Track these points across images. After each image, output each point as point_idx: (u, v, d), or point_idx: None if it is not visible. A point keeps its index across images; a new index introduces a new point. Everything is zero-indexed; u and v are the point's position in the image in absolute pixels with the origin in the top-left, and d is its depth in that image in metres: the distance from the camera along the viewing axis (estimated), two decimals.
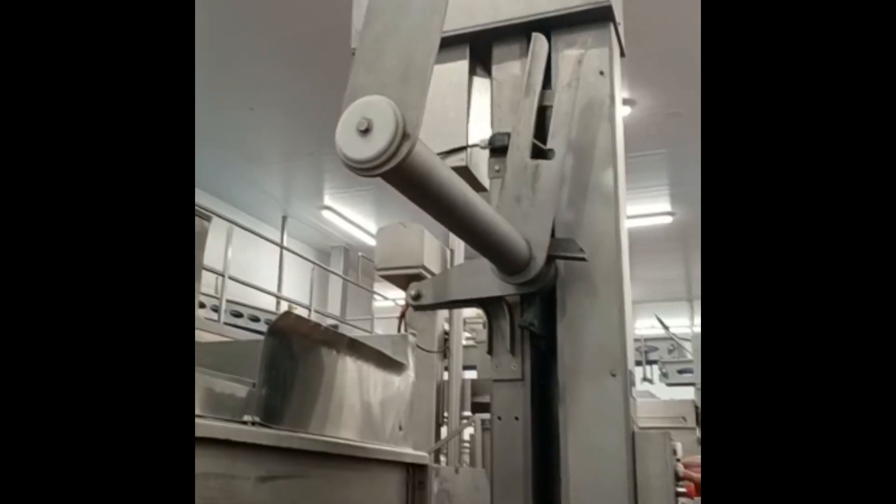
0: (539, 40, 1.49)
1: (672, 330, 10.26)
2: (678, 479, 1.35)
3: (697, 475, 1.46)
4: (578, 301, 1.41)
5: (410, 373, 1.73)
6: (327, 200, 10.23)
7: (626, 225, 1.54)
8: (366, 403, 1.51)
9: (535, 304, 1.43)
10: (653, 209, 9.79)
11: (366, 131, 0.89)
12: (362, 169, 0.89)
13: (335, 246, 12.02)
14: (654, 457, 1.33)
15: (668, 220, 10.26)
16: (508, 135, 1.53)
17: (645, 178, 8.77)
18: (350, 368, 1.43)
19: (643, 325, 13.47)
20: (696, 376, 6.73)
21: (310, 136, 8.13)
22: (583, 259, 1.35)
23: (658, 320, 10.21)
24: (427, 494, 1.66)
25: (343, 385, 1.41)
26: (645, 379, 10.42)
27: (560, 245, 1.36)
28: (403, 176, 0.93)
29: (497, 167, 1.56)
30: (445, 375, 5.57)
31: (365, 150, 0.88)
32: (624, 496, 1.30)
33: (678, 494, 1.33)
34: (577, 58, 1.46)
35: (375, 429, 1.55)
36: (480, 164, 1.64)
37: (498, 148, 1.55)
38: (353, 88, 0.95)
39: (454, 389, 5.51)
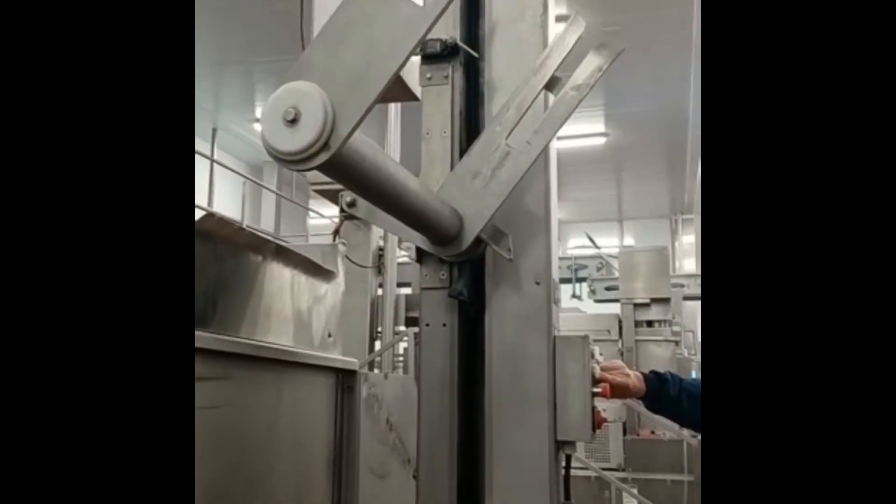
0: (575, 22, 1.41)
1: (602, 249, 10.56)
2: (595, 381, 1.41)
3: (612, 377, 1.54)
4: (507, 216, 1.43)
5: (340, 281, 1.74)
6: (259, 112, 9.91)
7: (557, 144, 1.55)
8: (295, 310, 1.52)
9: (465, 273, 1.43)
10: (586, 130, 9.87)
11: (292, 122, 0.83)
12: (278, 159, 0.85)
13: (268, 160, 11.69)
14: (573, 359, 1.39)
15: (602, 140, 10.38)
16: (440, 41, 1.50)
17: None
18: (277, 274, 1.43)
19: (574, 245, 13.80)
20: (622, 292, 7.00)
21: (240, 44, 7.76)
22: (508, 259, 1.34)
23: (588, 237, 10.47)
24: (356, 398, 1.70)
25: (270, 290, 1.41)
26: (574, 296, 10.75)
27: (493, 234, 1.35)
28: (328, 169, 0.89)
29: (429, 75, 1.54)
30: (380, 291, 5.63)
31: (284, 141, 0.84)
32: (544, 396, 1.36)
33: (594, 395, 1.40)
34: (599, 65, 1.37)
35: (305, 335, 1.57)
36: (412, 71, 1.61)
37: (430, 55, 1.52)
38: (304, 62, 0.89)
39: (388, 304, 5.58)
